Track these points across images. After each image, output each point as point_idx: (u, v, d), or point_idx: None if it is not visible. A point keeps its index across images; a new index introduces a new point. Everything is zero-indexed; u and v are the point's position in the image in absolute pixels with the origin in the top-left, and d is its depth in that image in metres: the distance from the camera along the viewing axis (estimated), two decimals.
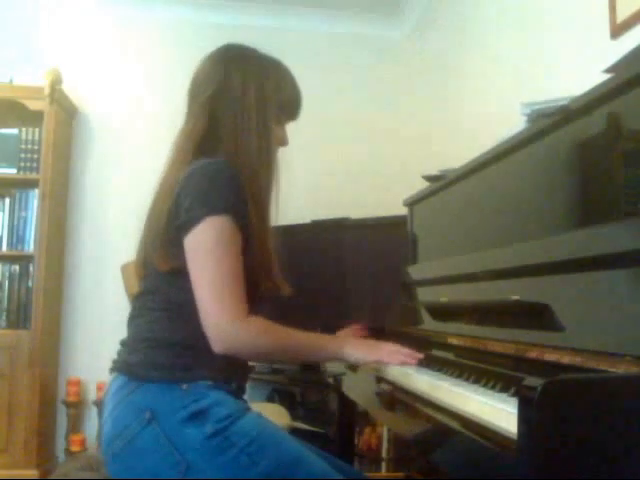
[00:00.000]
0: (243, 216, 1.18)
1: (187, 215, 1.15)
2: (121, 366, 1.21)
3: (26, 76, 3.17)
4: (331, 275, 2.91)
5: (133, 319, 1.26)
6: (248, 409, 1.19)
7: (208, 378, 1.16)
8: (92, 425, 3.26)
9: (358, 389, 1.67)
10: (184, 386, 1.13)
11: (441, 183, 1.80)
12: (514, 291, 1.15)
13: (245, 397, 1.29)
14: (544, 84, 2.08)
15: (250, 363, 1.31)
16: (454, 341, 1.34)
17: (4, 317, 3.10)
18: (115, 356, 1.25)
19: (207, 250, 1.14)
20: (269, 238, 1.26)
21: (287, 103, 1.36)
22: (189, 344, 1.16)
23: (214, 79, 1.30)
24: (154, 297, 1.23)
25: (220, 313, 1.13)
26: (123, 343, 1.26)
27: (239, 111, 1.28)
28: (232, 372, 1.21)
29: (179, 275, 1.17)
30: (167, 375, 1.15)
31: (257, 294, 1.27)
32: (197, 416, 1.10)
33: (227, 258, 1.14)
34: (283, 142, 1.37)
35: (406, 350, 1.28)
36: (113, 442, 1.14)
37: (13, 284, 3.13)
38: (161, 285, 1.23)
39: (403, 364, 1.25)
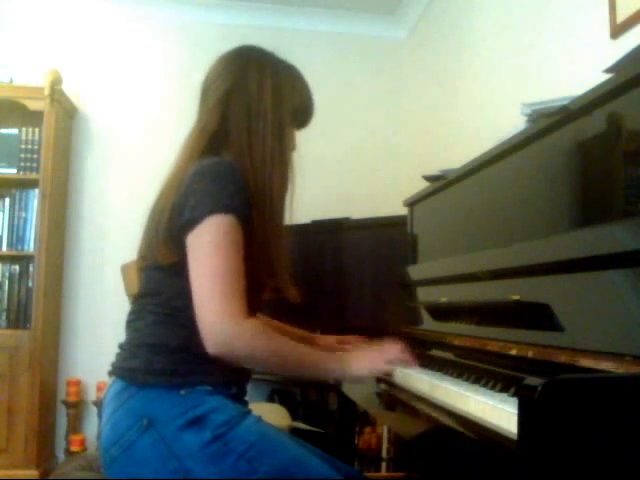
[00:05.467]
0: (246, 216, 1.16)
1: (191, 214, 1.13)
2: (119, 371, 1.19)
3: (26, 76, 3.17)
4: (331, 275, 2.90)
5: (132, 321, 1.24)
6: (247, 413, 1.17)
7: (207, 383, 1.14)
8: (92, 425, 3.26)
9: (358, 389, 1.67)
10: (182, 392, 1.12)
11: (441, 183, 1.80)
12: (514, 291, 1.15)
13: (246, 398, 1.27)
14: (544, 84, 2.08)
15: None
16: (454, 341, 1.34)
17: (4, 317, 3.10)
18: (114, 358, 1.23)
19: (208, 249, 1.11)
20: (276, 240, 1.23)
21: (300, 108, 1.34)
22: (189, 350, 1.13)
23: (229, 77, 1.28)
24: (154, 299, 1.21)
25: (216, 312, 1.08)
26: (121, 346, 1.24)
27: (254, 112, 1.25)
28: (232, 376, 1.19)
29: (179, 276, 1.15)
30: (166, 381, 1.13)
31: (259, 295, 1.26)
32: (195, 422, 1.09)
33: (228, 257, 1.11)
34: (293, 147, 1.35)
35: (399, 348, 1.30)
36: (111, 448, 1.13)
37: (13, 284, 3.13)
38: (161, 287, 1.21)
39: (404, 364, 1.27)
